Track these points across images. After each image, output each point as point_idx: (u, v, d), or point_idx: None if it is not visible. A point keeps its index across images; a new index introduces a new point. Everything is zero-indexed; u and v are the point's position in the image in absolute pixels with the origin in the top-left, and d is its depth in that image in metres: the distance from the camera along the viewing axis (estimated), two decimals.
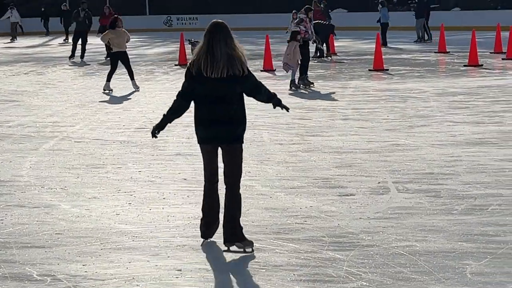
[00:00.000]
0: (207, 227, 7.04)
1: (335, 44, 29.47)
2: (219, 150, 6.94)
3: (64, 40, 41.67)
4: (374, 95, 17.28)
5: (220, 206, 7.04)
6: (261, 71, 22.56)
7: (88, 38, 28.90)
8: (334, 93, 17.74)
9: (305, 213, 7.94)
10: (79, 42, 28.72)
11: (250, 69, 6.87)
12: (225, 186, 6.91)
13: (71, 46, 29.28)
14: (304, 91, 18.27)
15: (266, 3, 50.23)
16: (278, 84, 19.58)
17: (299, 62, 18.62)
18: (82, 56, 28.63)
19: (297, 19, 21.75)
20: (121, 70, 25.04)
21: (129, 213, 8.07)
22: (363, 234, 7.16)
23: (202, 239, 7.07)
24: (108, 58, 26.69)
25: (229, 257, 6.66)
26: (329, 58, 27.24)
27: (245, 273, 6.33)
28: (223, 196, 6.95)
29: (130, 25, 52.88)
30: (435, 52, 28.28)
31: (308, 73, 19.36)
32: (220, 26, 6.82)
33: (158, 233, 7.36)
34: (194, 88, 6.80)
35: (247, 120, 6.92)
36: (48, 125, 13.96)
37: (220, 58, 6.64)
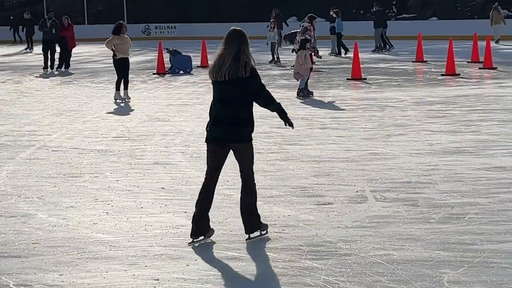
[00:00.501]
0: (195, 224, 7.25)
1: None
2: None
3: (26, 49, 41.46)
4: (352, 104, 17.33)
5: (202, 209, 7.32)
6: None
7: (56, 48, 28.15)
8: (312, 102, 17.77)
9: (283, 222, 7.94)
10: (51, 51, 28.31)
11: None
12: (241, 181, 7.32)
13: (42, 57, 28.44)
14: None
15: (245, 11, 50.24)
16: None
17: (311, 70, 18.79)
18: (52, 67, 28.04)
19: (301, 28, 21.84)
20: (102, 78, 25.00)
21: (106, 223, 8.04)
22: (341, 243, 7.17)
23: (191, 239, 7.26)
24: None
25: (206, 266, 6.64)
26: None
27: (223, 283, 6.32)
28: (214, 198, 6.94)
29: (108, 33, 52.89)
30: (412, 62, 28.41)
31: (288, 82, 19.41)
32: (235, 33, 7.21)
33: (135, 242, 7.33)
34: (213, 90, 7.30)
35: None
36: (25, 134, 13.90)
37: (226, 63, 7.07)
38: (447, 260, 6.62)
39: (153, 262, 6.76)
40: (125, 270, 6.55)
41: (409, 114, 15.40)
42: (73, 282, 6.30)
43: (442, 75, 23.15)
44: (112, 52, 19.03)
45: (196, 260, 6.79)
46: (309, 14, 23.33)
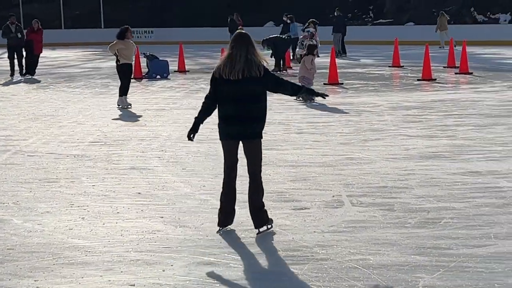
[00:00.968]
0: (224, 216, 7.73)
1: (291, 57, 29.64)
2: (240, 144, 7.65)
3: None
4: (329, 109, 17.36)
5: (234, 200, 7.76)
6: None
7: (23, 52, 27.25)
8: (289, 107, 17.79)
9: None
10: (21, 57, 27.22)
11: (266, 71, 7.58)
12: (249, 177, 7.69)
13: (8, 64, 27.49)
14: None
15: (221, 16, 50.25)
16: None
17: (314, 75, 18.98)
18: (21, 73, 27.12)
19: (307, 33, 21.92)
20: (79, 83, 24.90)
21: (82, 228, 8.00)
22: (317, 248, 7.18)
23: (219, 227, 7.73)
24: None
25: (183, 271, 6.63)
26: (285, 71, 27.35)
27: None
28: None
29: (85, 38, 52.87)
30: (389, 66, 28.53)
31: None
32: (243, 36, 7.66)
33: (111, 247, 7.30)
34: (217, 90, 7.55)
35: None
36: (1, 138, 13.82)
37: (238, 62, 7.47)
38: (422, 265, 6.64)
39: (129, 267, 6.74)
40: (101, 276, 6.52)
41: (385, 119, 15.46)
42: None
43: (418, 80, 23.26)
44: (115, 57, 18.52)
45: (172, 265, 6.77)
46: (311, 20, 23.48)
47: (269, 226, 7.78)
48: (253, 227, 7.87)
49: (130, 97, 20.39)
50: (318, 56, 19.37)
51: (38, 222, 8.23)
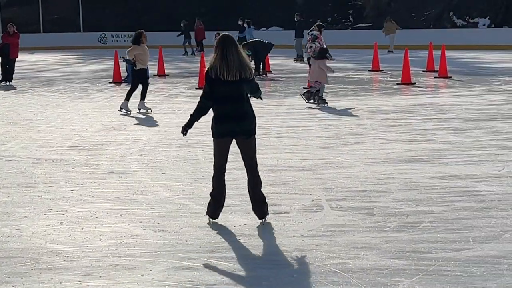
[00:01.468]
0: (214, 208, 8.18)
1: (270, 62, 29.68)
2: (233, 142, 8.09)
3: None
4: (309, 113, 17.39)
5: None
6: (196, 88, 22.52)
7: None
8: (268, 111, 17.80)
9: (239, 231, 7.94)
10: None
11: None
12: (247, 170, 8.19)
13: None
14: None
15: (201, 20, 50.19)
16: None
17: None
18: None
19: (311, 36, 21.89)
20: (57, 87, 24.80)
21: (60, 233, 7.96)
22: (296, 252, 7.18)
23: (210, 219, 8.20)
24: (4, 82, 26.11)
25: (161, 276, 6.61)
26: (265, 76, 27.40)
27: None
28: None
29: (64, 42, 52.71)
30: (369, 71, 28.62)
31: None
32: (230, 38, 8.00)
33: (90, 252, 7.28)
34: (213, 90, 7.92)
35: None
36: None
37: (234, 64, 7.85)
38: (402, 269, 6.66)
39: (108, 272, 6.71)
40: (79, 281, 6.50)
41: (365, 123, 15.50)
42: None
43: (398, 84, 23.35)
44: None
45: (151, 270, 6.75)
46: (318, 23, 23.46)
47: (267, 216, 8.28)
48: (232, 231, 7.88)
49: (109, 101, 20.35)
50: (333, 59, 19.40)
51: (16, 227, 8.18)
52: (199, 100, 8.08)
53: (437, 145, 12.76)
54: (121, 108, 18.18)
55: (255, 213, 8.25)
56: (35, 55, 44.10)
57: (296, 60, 34.96)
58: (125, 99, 18.18)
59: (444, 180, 10.12)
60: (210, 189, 9.56)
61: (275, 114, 17.25)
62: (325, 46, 19.92)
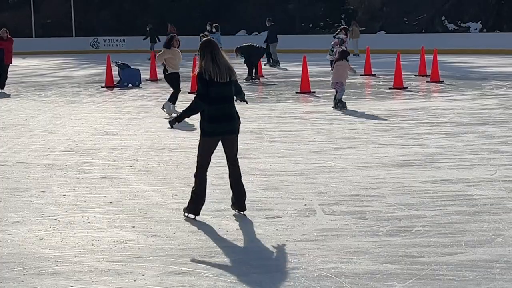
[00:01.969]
0: (197, 204, 8.52)
1: (263, 66, 29.72)
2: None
3: None
4: (301, 117, 17.41)
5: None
6: (189, 93, 22.52)
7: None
8: (261, 115, 17.80)
9: (231, 236, 7.93)
10: None
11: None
12: (229, 166, 8.67)
13: None
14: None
15: (193, 25, 50.21)
16: None
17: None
18: None
19: (338, 40, 21.94)
20: (49, 91, 24.76)
21: (53, 238, 7.95)
22: (289, 257, 7.17)
23: (194, 216, 8.53)
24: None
25: (154, 281, 6.60)
26: (257, 80, 27.41)
27: None
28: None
29: (56, 47, 52.65)
30: (361, 75, 28.64)
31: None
32: (214, 43, 8.55)
33: (82, 257, 7.26)
34: (208, 92, 8.30)
35: None
36: None
37: (224, 67, 8.35)
38: (394, 273, 6.66)
39: (100, 277, 6.70)
40: (71, 286, 6.48)
41: (357, 127, 15.51)
42: None
43: (390, 88, 23.38)
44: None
45: (143, 275, 6.74)
46: (343, 26, 23.58)
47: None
48: (225, 235, 7.88)
49: (101, 106, 20.33)
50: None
51: (8, 232, 8.16)
52: (194, 100, 8.43)
53: (430, 149, 12.77)
54: (165, 110, 17.94)
55: (237, 207, 8.71)
56: (27, 60, 44.03)
57: (271, 65, 34.91)
58: (172, 103, 17.90)
59: (436, 184, 10.14)
60: None
61: (267, 118, 17.26)
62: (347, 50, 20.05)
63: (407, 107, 18.68)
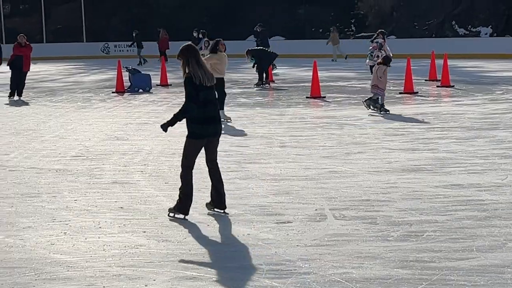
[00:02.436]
0: (186, 204, 8.75)
1: (273, 71, 29.73)
2: None
3: None
4: (312, 122, 17.40)
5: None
6: None
7: None
8: (271, 120, 17.80)
9: (242, 241, 7.93)
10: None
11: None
12: (211, 169, 9.00)
13: None
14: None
15: (204, 29, 50.22)
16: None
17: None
18: None
19: (376, 44, 21.92)
20: (60, 97, 24.80)
21: (64, 243, 7.96)
22: (300, 262, 7.17)
23: (183, 215, 8.76)
24: None
25: (165, 286, 6.60)
26: (267, 85, 27.40)
27: None
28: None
29: (67, 52, 52.79)
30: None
31: (247, 100, 19.44)
32: (196, 48, 8.82)
33: (93, 262, 7.27)
34: (198, 94, 8.55)
35: None
36: None
37: (207, 71, 8.68)
38: (405, 278, 6.64)
39: (111, 282, 6.71)
40: None
41: (367, 132, 15.49)
42: None
43: (400, 93, 23.34)
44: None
45: (154, 280, 6.74)
46: (380, 30, 23.57)
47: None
48: (235, 241, 7.88)
49: (112, 111, 20.36)
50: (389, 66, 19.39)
51: (19, 237, 8.18)
52: (185, 103, 8.59)
53: (440, 154, 12.75)
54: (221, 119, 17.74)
55: (218, 206, 9.00)
56: (38, 65, 44.14)
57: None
58: (220, 109, 17.73)
59: (447, 189, 10.11)
60: None
61: (278, 123, 17.25)
62: (391, 54, 20.01)
63: (418, 112, 18.65)
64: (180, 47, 8.82)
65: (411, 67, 23.52)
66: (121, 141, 14.88)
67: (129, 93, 25.61)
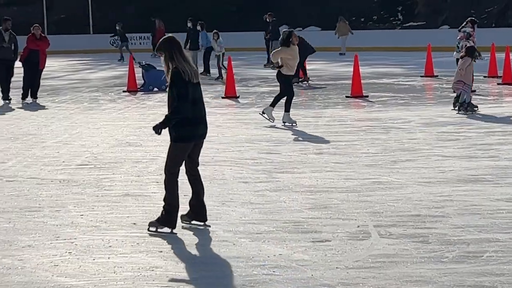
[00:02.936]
0: (174, 216, 8.98)
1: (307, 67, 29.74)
2: None
3: None
4: (352, 125, 17.39)
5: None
6: (223, 97, 22.60)
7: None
8: (305, 123, 17.81)
9: (273, 262, 7.94)
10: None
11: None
12: (192, 176, 9.22)
13: None
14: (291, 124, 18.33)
15: (230, 20, 50.38)
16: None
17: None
18: (5, 97, 23.68)
19: (464, 34, 21.88)
20: (64, 96, 24.95)
21: (69, 264, 8.01)
22: (340, 286, 7.17)
23: (170, 229, 8.94)
24: None
25: None
26: (305, 82, 27.35)
27: None
28: None
29: (71, 45, 53.14)
30: (421, 76, 28.58)
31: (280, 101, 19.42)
32: (179, 40, 8.94)
33: (103, 287, 7.31)
34: (187, 92, 8.70)
35: None
36: None
37: (194, 66, 8.85)
38: None
39: None
40: None
41: (417, 137, 15.46)
42: None
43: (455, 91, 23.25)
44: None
45: None
46: (471, 18, 23.60)
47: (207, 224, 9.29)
48: (265, 262, 7.89)
49: (123, 113, 20.45)
50: (481, 58, 19.21)
51: (18, 258, 8.24)
52: (178, 103, 8.68)
53: (502, 162, 12.70)
54: (284, 123, 17.58)
55: (199, 217, 9.23)
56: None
57: (272, 67, 34.64)
58: (285, 111, 17.57)
59: (510, 203, 10.08)
60: (240, 213, 9.60)
61: (313, 126, 17.26)
62: (474, 45, 19.96)
63: (475, 114, 18.58)
64: (161, 39, 9.08)
65: None
66: (134, 148, 14.95)
67: (142, 92, 25.73)
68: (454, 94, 22.58)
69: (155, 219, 9.14)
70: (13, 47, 23.38)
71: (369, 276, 7.42)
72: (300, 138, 15.67)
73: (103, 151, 14.72)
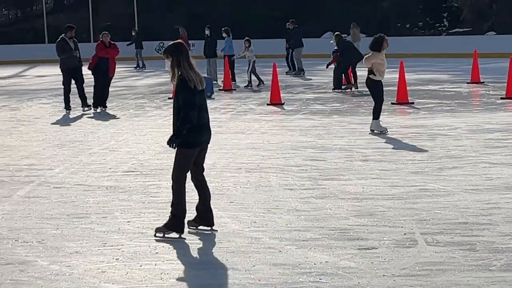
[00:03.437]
0: (182, 221, 9.11)
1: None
2: None
3: None
4: (398, 132, 17.31)
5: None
6: (268, 104, 22.61)
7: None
8: (351, 130, 17.77)
9: (320, 269, 7.93)
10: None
11: None
12: (198, 182, 9.41)
13: (63, 93, 23.89)
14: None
15: (269, 26, 50.39)
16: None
17: None
18: (85, 103, 23.57)
19: None
20: (110, 104, 25.11)
21: (116, 271, 8.05)
22: None
23: (179, 234, 9.04)
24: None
25: None
26: (351, 89, 27.29)
27: None
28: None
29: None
30: (467, 83, 28.39)
31: (323, 107, 19.44)
32: (186, 46, 9.14)
33: None
34: (195, 100, 8.90)
35: None
36: (23, 168, 13.98)
37: (199, 74, 9.08)
38: None
39: None
40: None
41: (464, 144, 15.37)
42: None
43: (501, 98, 23.08)
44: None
45: None
46: None
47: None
48: (312, 269, 7.87)
49: (169, 120, 20.49)
50: None
51: (66, 264, 8.29)
52: (186, 111, 8.86)
53: None
54: (372, 130, 17.34)
55: (206, 222, 9.37)
56: (83, 68, 44.77)
57: (294, 75, 34.34)
58: (373, 118, 17.37)
59: None
60: (286, 220, 9.60)
61: (359, 133, 17.21)
62: None
63: None
64: (168, 45, 9.23)
65: None
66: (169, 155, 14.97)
67: None
68: (501, 101, 22.44)
69: (163, 224, 9.23)
70: (78, 55, 23.46)
71: (416, 284, 7.39)
72: (345, 145, 15.62)
73: (149, 157, 14.79)
